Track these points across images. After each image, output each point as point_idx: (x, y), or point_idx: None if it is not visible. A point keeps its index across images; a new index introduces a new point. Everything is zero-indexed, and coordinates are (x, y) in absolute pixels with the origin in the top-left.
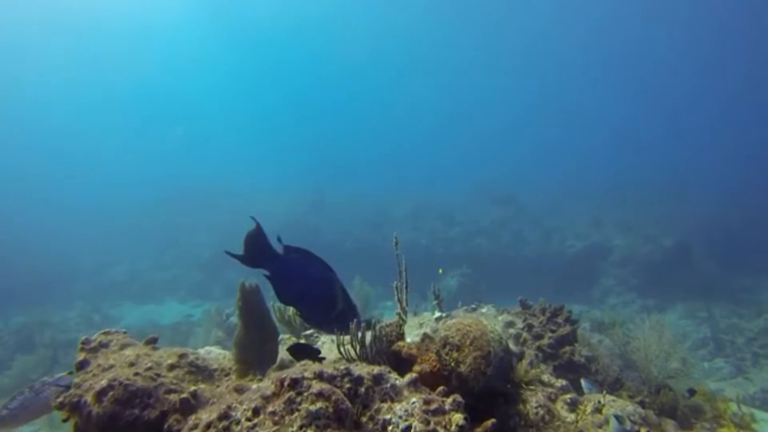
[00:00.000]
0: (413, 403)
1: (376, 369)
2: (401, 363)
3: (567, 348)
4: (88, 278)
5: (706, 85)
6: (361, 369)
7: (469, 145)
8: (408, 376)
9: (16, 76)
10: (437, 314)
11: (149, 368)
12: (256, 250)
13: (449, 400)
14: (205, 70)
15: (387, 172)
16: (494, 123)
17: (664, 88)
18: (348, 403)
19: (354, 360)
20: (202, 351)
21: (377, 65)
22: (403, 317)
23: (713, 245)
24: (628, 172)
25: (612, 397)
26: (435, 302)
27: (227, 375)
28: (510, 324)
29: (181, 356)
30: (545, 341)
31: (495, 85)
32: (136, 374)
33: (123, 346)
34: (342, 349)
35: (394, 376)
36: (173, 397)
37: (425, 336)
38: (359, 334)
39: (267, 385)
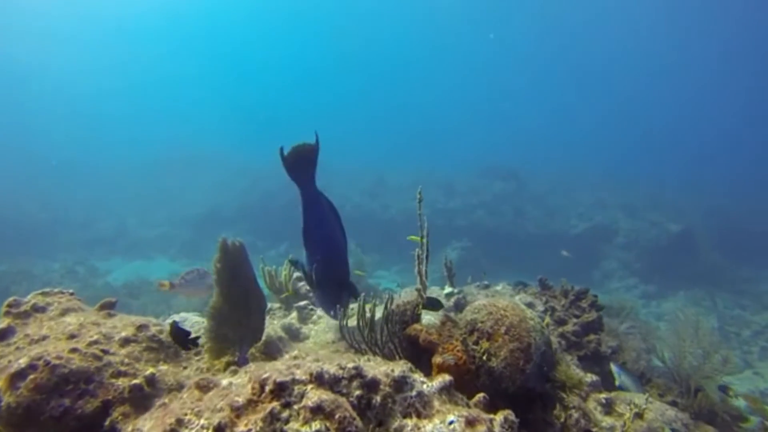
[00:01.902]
0: (451, 424)
1: (396, 368)
2: (418, 351)
3: (593, 336)
4: (76, 231)
5: (723, 75)
6: (376, 368)
7: (474, 121)
8: (439, 380)
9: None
10: (448, 290)
11: (94, 342)
12: (304, 161)
13: (498, 418)
14: (206, 33)
15: (388, 142)
16: (499, 100)
17: (681, 76)
18: (358, 424)
19: (360, 348)
20: (175, 318)
21: (383, 41)
22: (423, 295)
23: (718, 234)
24: (638, 157)
25: (642, 396)
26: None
27: (198, 354)
28: (529, 305)
29: (140, 327)
30: (569, 327)
31: (504, 63)
32: (74, 350)
33: (65, 312)
34: (345, 331)
35: (419, 378)
36: (122, 382)
37: (447, 318)
38: (367, 313)
39: (242, 383)
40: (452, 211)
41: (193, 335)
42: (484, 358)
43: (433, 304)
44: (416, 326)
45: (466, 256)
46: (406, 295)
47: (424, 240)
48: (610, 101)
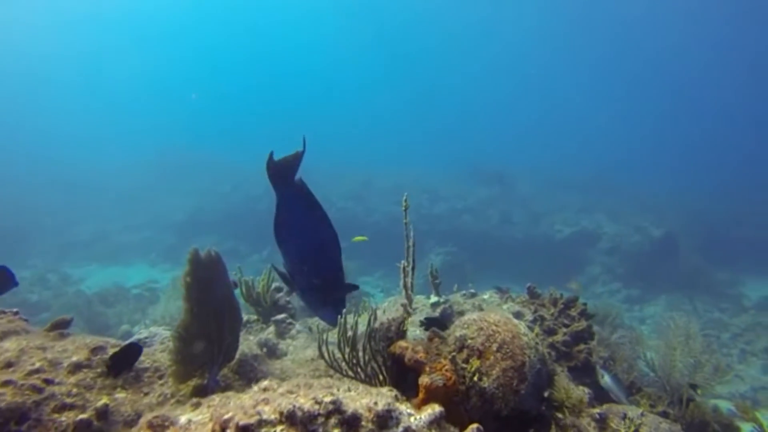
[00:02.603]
0: None
1: (380, 400)
2: (403, 370)
3: (583, 346)
4: (50, 236)
5: (706, 81)
6: (357, 400)
7: (459, 125)
8: (428, 412)
9: None
10: (434, 299)
11: (35, 371)
12: (286, 166)
13: None
14: (188, 37)
15: (372, 145)
16: (484, 105)
17: (661, 81)
18: None
19: (341, 368)
20: (143, 333)
21: (369, 45)
22: (409, 309)
23: (698, 238)
24: (619, 162)
25: (636, 409)
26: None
27: (162, 378)
28: (518, 315)
29: (96, 350)
30: (559, 337)
31: (489, 67)
32: (6, 383)
33: (3, 336)
34: (325, 350)
35: (406, 409)
36: (67, 417)
37: (434, 334)
38: (348, 330)
39: (202, 422)
40: (437, 216)
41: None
42: (475, 378)
43: (435, 324)
44: (401, 343)
45: (450, 261)
46: (390, 306)
47: (411, 248)
48: (595, 106)
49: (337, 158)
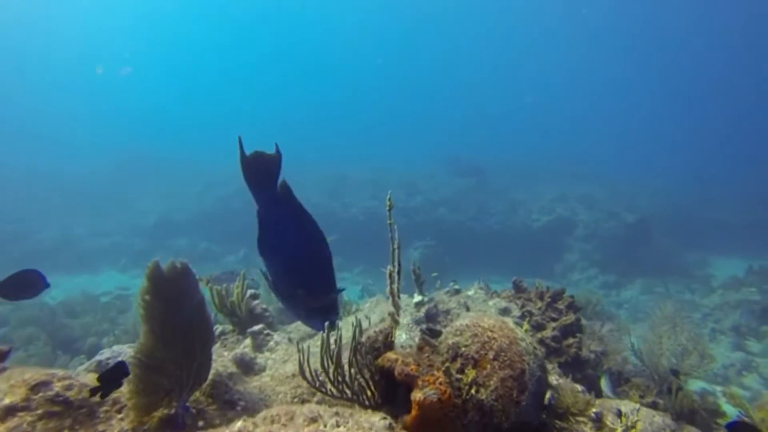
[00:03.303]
0: None
1: None
2: (393, 384)
3: (572, 340)
4: (10, 245)
5: (669, 68)
6: None
7: (433, 116)
8: None
9: None
10: (417, 298)
11: None
12: (264, 171)
13: None
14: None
15: (347, 138)
16: (458, 94)
17: (628, 69)
18: None
19: (326, 388)
20: (105, 352)
21: (339, 37)
22: (397, 318)
23: (668, 222)
24: (589, 149)
25: (629, 403)
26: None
27: (121, 411)
28: (505, 311)
29: (37, 387)
30: (548, 333)
31: (462, 56)
32: None
33: None
34: (307, 369)
35: None
36: None
37: (425, 342)
38: (332, 344)
39: None
40: (414, 209)
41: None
42: (472, 390)
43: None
44: (390, 355)
45: (429, 254)
46: (372, 307)
47: (396, 251)
48: (567, 94)
49: (311, 152)
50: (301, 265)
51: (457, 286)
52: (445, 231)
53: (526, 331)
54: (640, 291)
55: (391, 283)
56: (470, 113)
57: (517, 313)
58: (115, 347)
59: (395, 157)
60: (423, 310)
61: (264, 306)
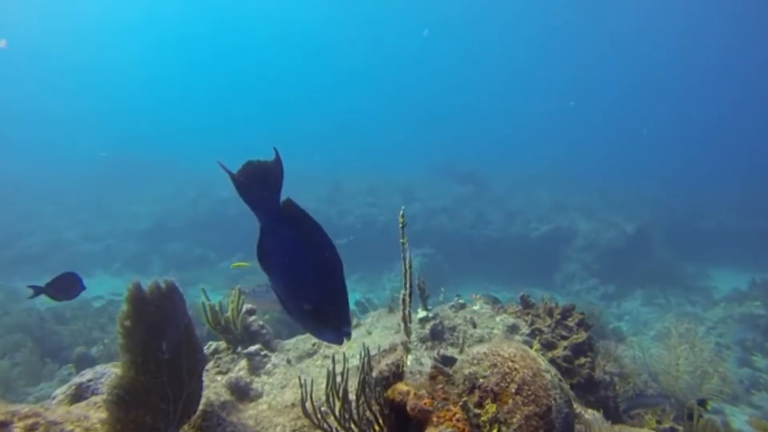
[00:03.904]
0: None
1: None
2: (404, 419)
3: (584, 360)
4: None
5: (669, 77)
6: None
7: (431, 124)
8: None
9: None
10: (422, 314)
11: None
12: (262, 183)
13: None
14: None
15: (344, 145)
16: (455, 103)
17: (624, 78)
18: None
19: (331, 427)
20: (87, 374)
21: (337, 40)
22: (409, 345)
23: (667, 233)
24: (589, 157)
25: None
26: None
27: None
28: (513, 328)
29: None
30: (559, 352)
31: (460, 64)
32: None
33: None
34: (309, 404)
35: None
36: None
37: (438, 371)
38: (342, 378)
39: None
40: (412, 216)
41: None
42: (494, 429)
43: (449, 363)
44: (401, 387)
45: (427, 262)
46: (375, 321)
47: (408, 272)
48: (560, 102)
49: (307, 159)
50: (311, 280)
51: (461, 300)
52: (444, 239)
53: (536, 350)
54: (641, 302)
55: (404, 308)
56: (466, 120)
57: (526, 330)
58: (98, 367)
59: (392, 164)
60: (428, 326)
61: (261, 323)
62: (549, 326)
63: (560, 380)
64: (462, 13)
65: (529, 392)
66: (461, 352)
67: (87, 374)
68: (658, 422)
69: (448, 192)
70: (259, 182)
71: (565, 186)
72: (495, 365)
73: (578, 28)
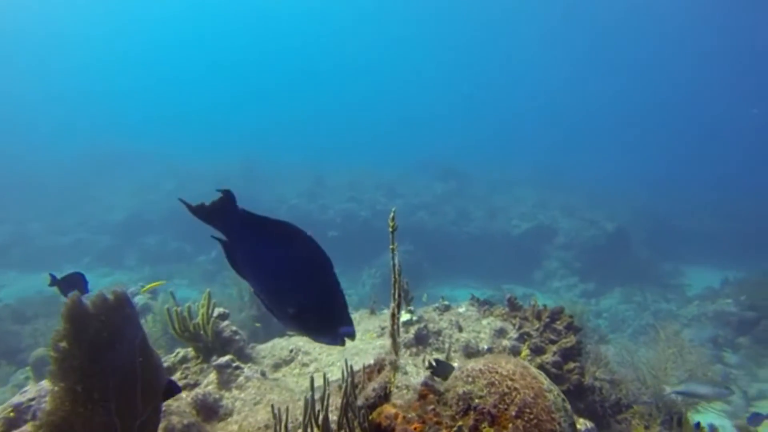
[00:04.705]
0: None
1: None
2: None
3: (572, 365)
4: None
5: (642, 82)
6: None
7: (414, 120)
8: None
9: None
10: (406, 316)
11: None
12: (218, 202)
13: None
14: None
15: (326, 138)
16: (438, 99)
17: (604, 79)
18: None
19: None
20: (30, 391)
21: (319, 33)
22: (398, 362)
23: (646, 232)
24: (570, 156)
25: None
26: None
27: None
28: (501, 332)
29: None
30: (548, 357)
31: (442, 60)
32: None
33: None
34: None
35: None
36: None
37: (428, 389)
38: (323, 404)
39: None
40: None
41: None
42: None
43: (443, 371)
44: (388, 410)
45: (408, 260)
46: (357, 325)
47: (398, 281)
48: (543, 101)
49: (288, 153)
50: (291, 282)
51: (446, 302)
52: (425, 236)
53: (526, 356)
54: (619, 300)
55: (393, 323)
56: (450, 117)
57: (514, 334)
58: (44, 383)
59: (374, 158)
60: (412, 331)
61: (234, 328)
62: (537, 330)
63: (564, 400)
64: (450, 9)
65: (531, 416)
66: (447, 358)
67: (29, 392)
68: (646, 428)
69: (431, 188)
70: (213, 204)
71: (549, 185)
72: (492, 384)
73: (565, 26)
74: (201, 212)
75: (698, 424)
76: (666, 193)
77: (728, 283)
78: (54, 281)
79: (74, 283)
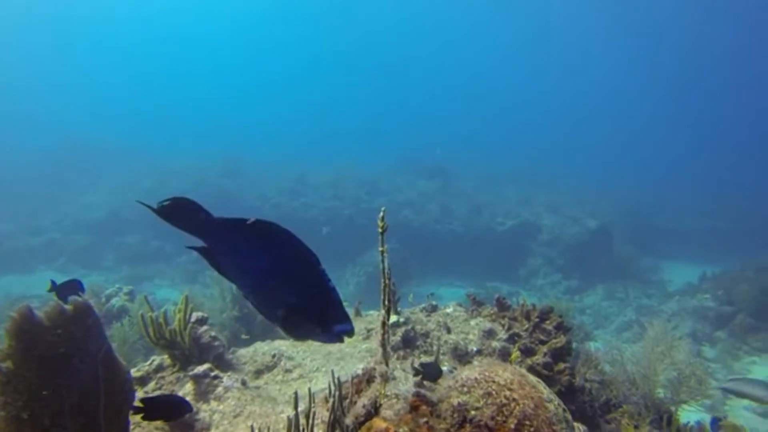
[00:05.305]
0: None
1: None
2: None
3: (562, 366)
4: None
5: (626, 82)
6: None
7: (397, 117)
8: None
9: None
10: (393, 318)
11: None
12: (185, 209)
13: None
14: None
15: (307, 137)
16: (422, 94)
17: (587, 77)
18: None
19: None
20: None
21: (297, 29)
22: (387, 374)
23: (627, 228)
24: (551, 155)
25: None
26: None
27: None
28: (490, 333)
29: None
30: (539, 358)
31: (424, 58)
32: None
33: None
34: None
35: None
36: None
37: (420, 399)
38: (311, 418)
39: None
40: (377, 210)
41: None
42: None
43: (431, 373)
44: (378, 424)
45: (393, 258)
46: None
47: (388, 287)
48: (527, 98)
49: (270, 150)
50: (277, 282)
51: (434, 302)
52: (409, 233)
53: (516, 358)
54: (602, 297)
55: (383, 332)
56: (434, 114)
57: (503, 335)
58: None
59: (357, 155)
60: (399, 333)
61: (213, 333)
62: (527, 330)
63: (564, 410)
64: (436, 5)
65: (532, 429)
66: (436, 361)
67: None
68: (636, 427)
69: (415, 186)
70: (179, 208)
71: (533, 182)
72: (489, 394)
73: (548, 25)
74: (163, 213)
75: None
76: (647, 191)
77: (706, 279)
78: (53, 287)
79: (71, 290)
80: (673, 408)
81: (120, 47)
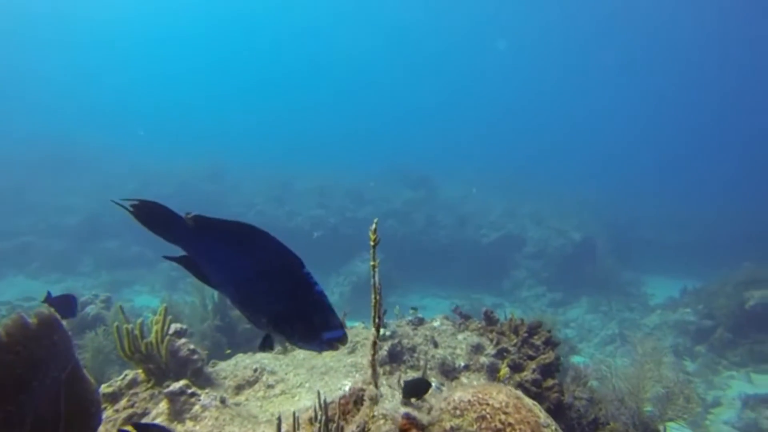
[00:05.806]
0: None
1: None
2: None
3: (551, 382)
4: None
5: (612, 93)
6: None
7: (380, 127)
8: None
9: None
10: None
11: None
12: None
13: None
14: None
15: (293, 144)
16: (408, 107)
17: (569, 88)
18: None
19: None
20: None
21: (286, 41)
22: (378, 395)
23: (611, 241)
24: (536, 167)
25: None
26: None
27: None
28: (478, 348)
29: None
30: (528, 374)
31: (412, 69)
32: None
33: None
34: None
35: None
36: None
37: (409, 421)
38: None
39: None
40: (362, 220)
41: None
42: None
43: (417, 389)
44: None
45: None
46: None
47: (379, 302)
48: (514, 111)
49: (255, 156)
50: (259, 288)
51: (420, 315)
52: (393, 244)
53: (505, 374)
54: (586, 310)
55: (373, 352)
56: (419, 124)
57: (491, 350)
58: None
59: (342, 164)
60: (386, 347)
61: (192, 346)
62: (515, 345)
63: None
64: (420, 15)
65: None
66: (424, 375)
67: None
68: None
69: (400, 195)
70: (154, 212)
71: (519, 192)
72: (483, 418)
73: (535, 34)
74: (139, 216)
75: None
76: (629, 203)
77: (687, 293)
78: (48, 298)
79: (64, 304)
80: (661, 428)
81: (105, 49)
